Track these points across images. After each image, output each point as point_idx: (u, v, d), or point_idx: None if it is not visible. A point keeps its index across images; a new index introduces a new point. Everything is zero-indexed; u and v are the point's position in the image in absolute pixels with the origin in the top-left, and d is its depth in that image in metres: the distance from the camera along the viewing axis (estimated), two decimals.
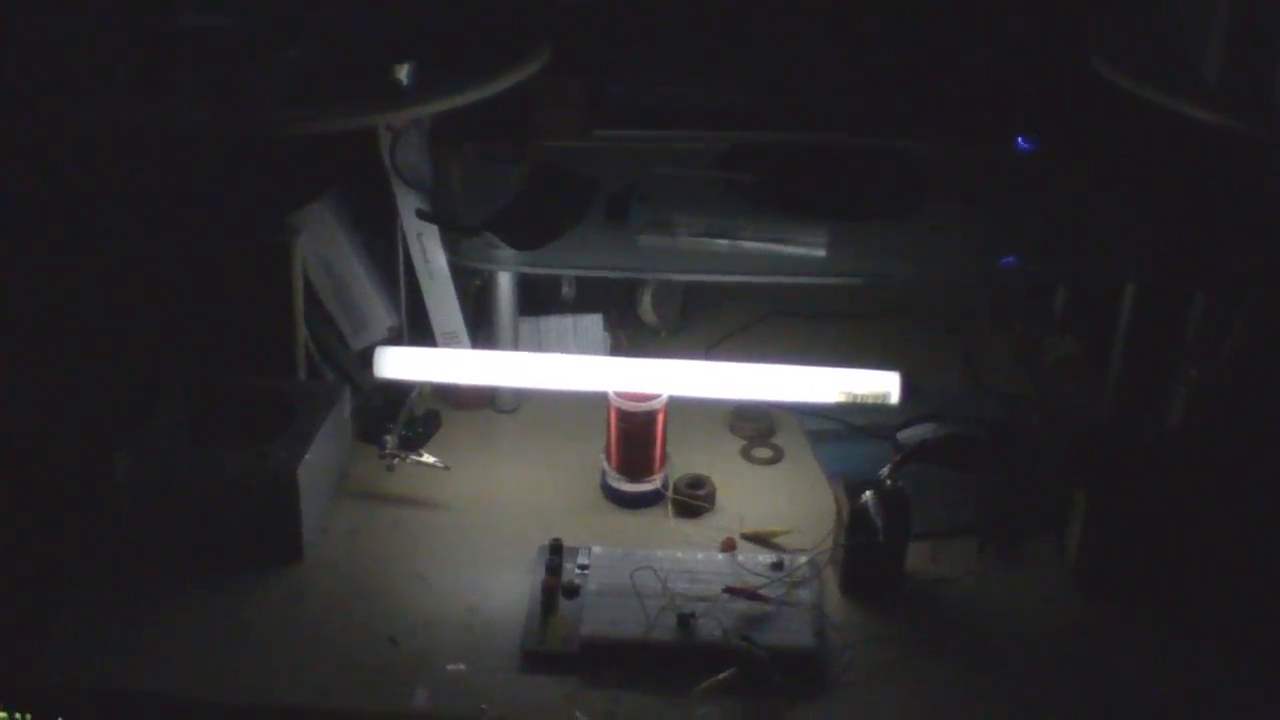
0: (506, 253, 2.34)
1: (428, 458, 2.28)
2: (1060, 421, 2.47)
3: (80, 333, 2.31)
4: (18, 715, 1.88)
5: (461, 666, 1.92)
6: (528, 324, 2.53)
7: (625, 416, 2.23)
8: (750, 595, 2.00)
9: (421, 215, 2.32)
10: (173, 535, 2.10)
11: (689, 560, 2.08)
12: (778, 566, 2.07)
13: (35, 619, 1.97)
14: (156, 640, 1.96)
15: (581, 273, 2.55)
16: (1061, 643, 1.99)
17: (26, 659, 1.91)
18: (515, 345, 2.48)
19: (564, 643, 1.94)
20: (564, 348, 2.56)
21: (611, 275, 2.47)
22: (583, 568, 2.07)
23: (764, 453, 2.40)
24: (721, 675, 1.86)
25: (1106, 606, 2.05)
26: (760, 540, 2.17)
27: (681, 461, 2.32)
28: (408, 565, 2.12)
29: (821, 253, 2.34)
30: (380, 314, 2.47)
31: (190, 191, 2.32)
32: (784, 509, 2.25)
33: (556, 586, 2.02)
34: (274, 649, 1.95)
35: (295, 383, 2.33)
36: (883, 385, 2.21)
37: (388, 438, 2.28)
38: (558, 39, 2.44)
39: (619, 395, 2.23)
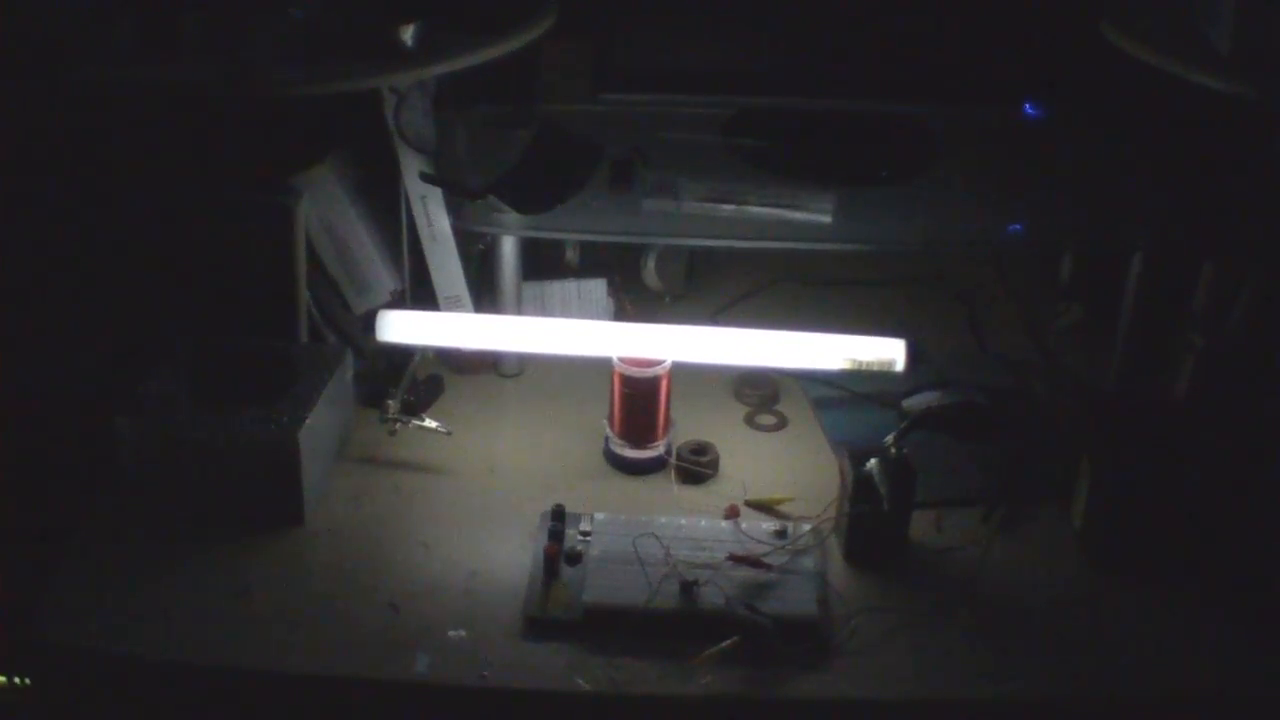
0: (510, 216, 2.33)
1: (430, 422, 2.28)
2: (1066, 389, 2.46)
3: (81, 294, 2.30)
4: (17, 679, 1.88)
5: (463, 633, 1.92)
6: (531, 288, 2.52)
7: (629, 382, 2.22)
8: (753, 563, 2.00)
9: (425, 178, 2.31)
10: (173, 499, 2.09)
11: (692, 527, 2.08)
12: (781, 534, 2.07)
13: (36, 583, 1.97)
14: (156, 604, 1.95)
15: (586, 237, 2.54)
16: (1066, 611, 1.99)
17: (27, 623, 1.90)
18: (519, 310, 2.47)
19: (566, 610, 1.94)
20: (568, 312, 2.55)
21: (616, 240, 2.46)
22: (585, 534, 2.06)
23: (768, 419, 2.40)
24: (724, 643, 1.86)
25: (1112, 575, 2.05)
26: (764, 508, 2.17)
27: (685, 428, 2.32)
28: (409, 531, 2.11)
29: (827, 218, 2.33)
30: (383, 277, 2.46)
31: (192, 152, 2.30)
32: (788, 476, 2.25)
33: (559, 553, 2.02)
34: (274, 614, 1.94)
35: (297, 346, 2.32)
36: (888, 352, 2.20)
37: (390, 402, 2.27)
38: (564, 1, 2.42)
39: (623, 361, 2.22)
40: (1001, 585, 2.03)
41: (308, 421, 2.07)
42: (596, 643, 1.90)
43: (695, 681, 1.84)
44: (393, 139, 2.28)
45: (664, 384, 2.23)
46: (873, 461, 2.02)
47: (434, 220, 2.36)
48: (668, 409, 2.26)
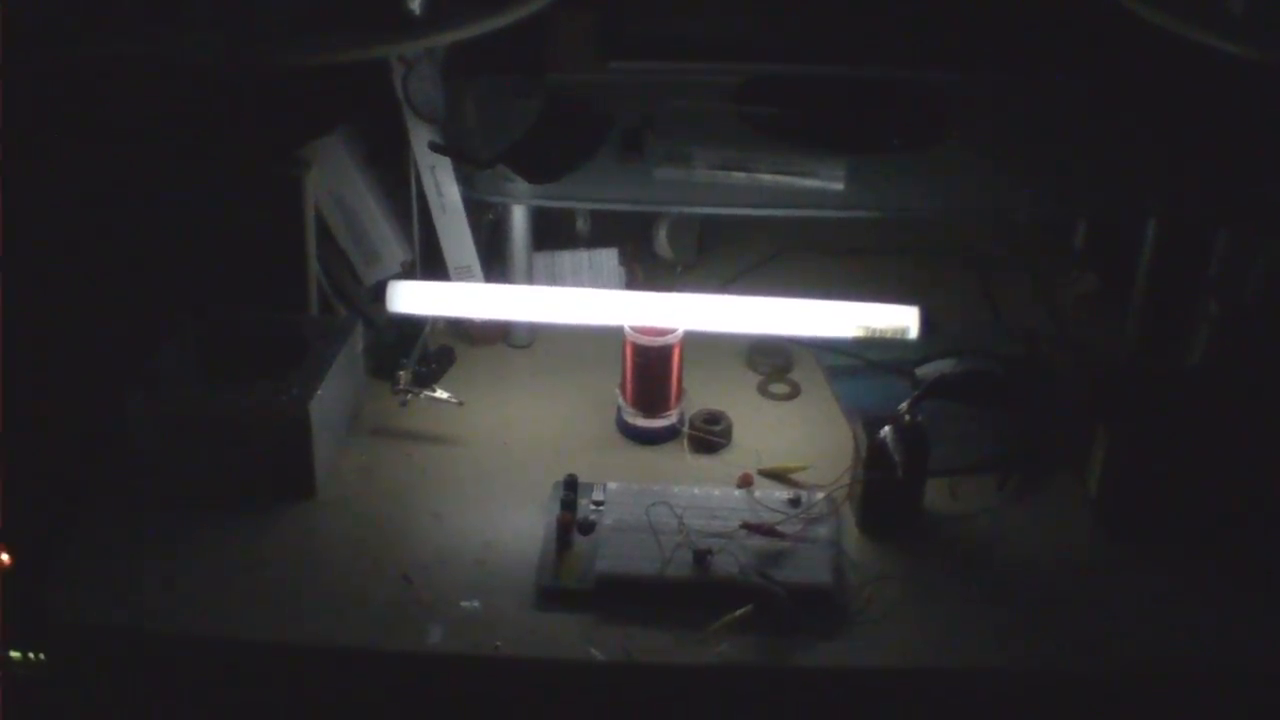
0: (521, 186, 2.32)
1: (441, 393, 2.27)
2: (1080, 357, 2.45)
3: (91, 268, 2.29)
4: (31, 655, 1.88)
5: (476, 604, 1.91)
6: (542, 258, 2.52)
7: (641, 351, 2.21)
8: (767, 532, 1.99)
9: (435, 148, 2.29)
10: (184, 472, 2.09)
11: (705, 496, 2.07)
12: (795, 503, 2.06)
13: (47, 558, 1.97)
14: (168, 578, 1.95)
15: (597, 206, 2.53)
16: (1081, 579, 1.98)
17: (40, 600, 1.90)
18: (530, 280, 2.46)
19: (579, 579, 1.93)
20: (579, 282, 2.54)
21: (627, 209, 2.44)
22: (598, 504, 2.06)
23: (781, 388, 2.39)
24: (738, 612, 1.85)
25: (1127, 543, 2.04)
26: (777, 476, 2.16)
27: (698, 397, 2.31)
28: (421, 502, 2.11)
29: (840, 186, 2.32)
30: (393, 248, 2.45)
31: (200, 124, 2.29)
32: (801, 445, 2.24)
33: (572, 523, 2.01)
34: (287, 586, 1.94)
35: (307, 318, 2.31)
36: (901, 320, 2.19)
37: (401, 373, 2.26)
38: None
39: (635, 330, 2.21)
40: (1016, 553, 2.03)
41: (318, 393, 2.07)
42: (610, 612, 1.89)
43: (709, 650, 1.84)
44: (402, 109, 2.27)
45: (676, 353, 2.22)
46: (886, 429, 2.01)
47: (444, 190, 2.34)
48: (680, 378, 2.25)
